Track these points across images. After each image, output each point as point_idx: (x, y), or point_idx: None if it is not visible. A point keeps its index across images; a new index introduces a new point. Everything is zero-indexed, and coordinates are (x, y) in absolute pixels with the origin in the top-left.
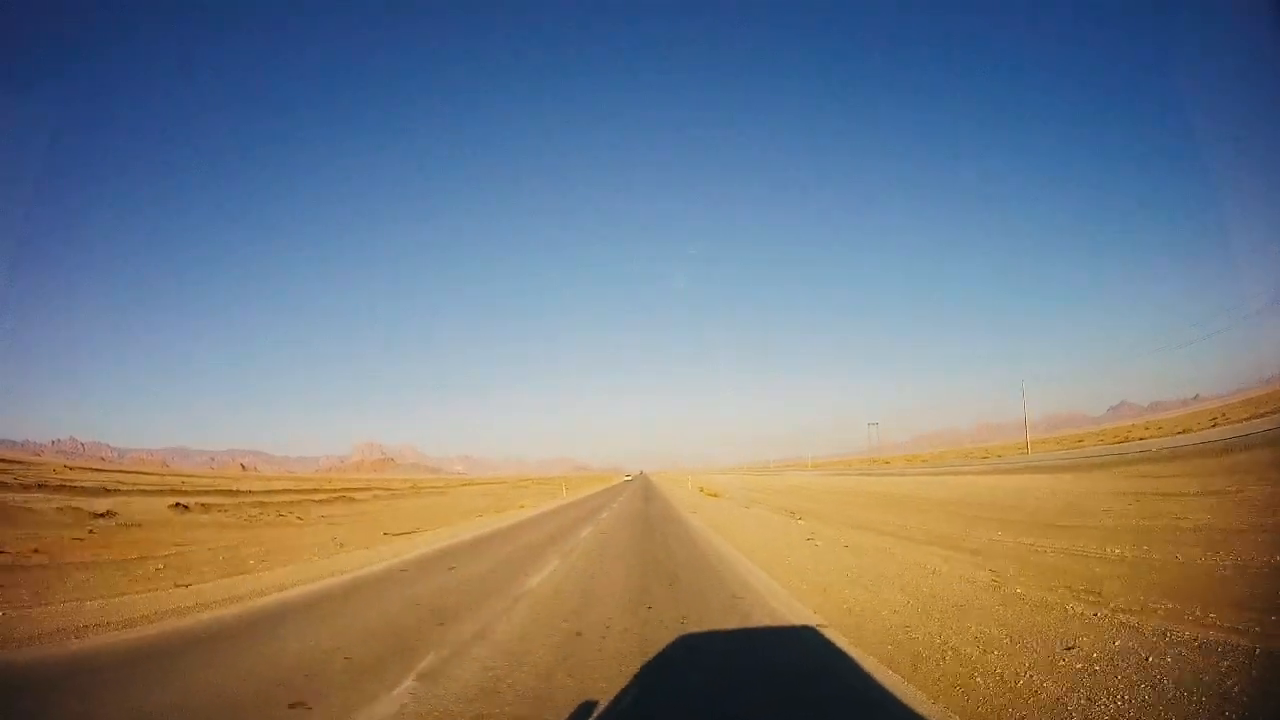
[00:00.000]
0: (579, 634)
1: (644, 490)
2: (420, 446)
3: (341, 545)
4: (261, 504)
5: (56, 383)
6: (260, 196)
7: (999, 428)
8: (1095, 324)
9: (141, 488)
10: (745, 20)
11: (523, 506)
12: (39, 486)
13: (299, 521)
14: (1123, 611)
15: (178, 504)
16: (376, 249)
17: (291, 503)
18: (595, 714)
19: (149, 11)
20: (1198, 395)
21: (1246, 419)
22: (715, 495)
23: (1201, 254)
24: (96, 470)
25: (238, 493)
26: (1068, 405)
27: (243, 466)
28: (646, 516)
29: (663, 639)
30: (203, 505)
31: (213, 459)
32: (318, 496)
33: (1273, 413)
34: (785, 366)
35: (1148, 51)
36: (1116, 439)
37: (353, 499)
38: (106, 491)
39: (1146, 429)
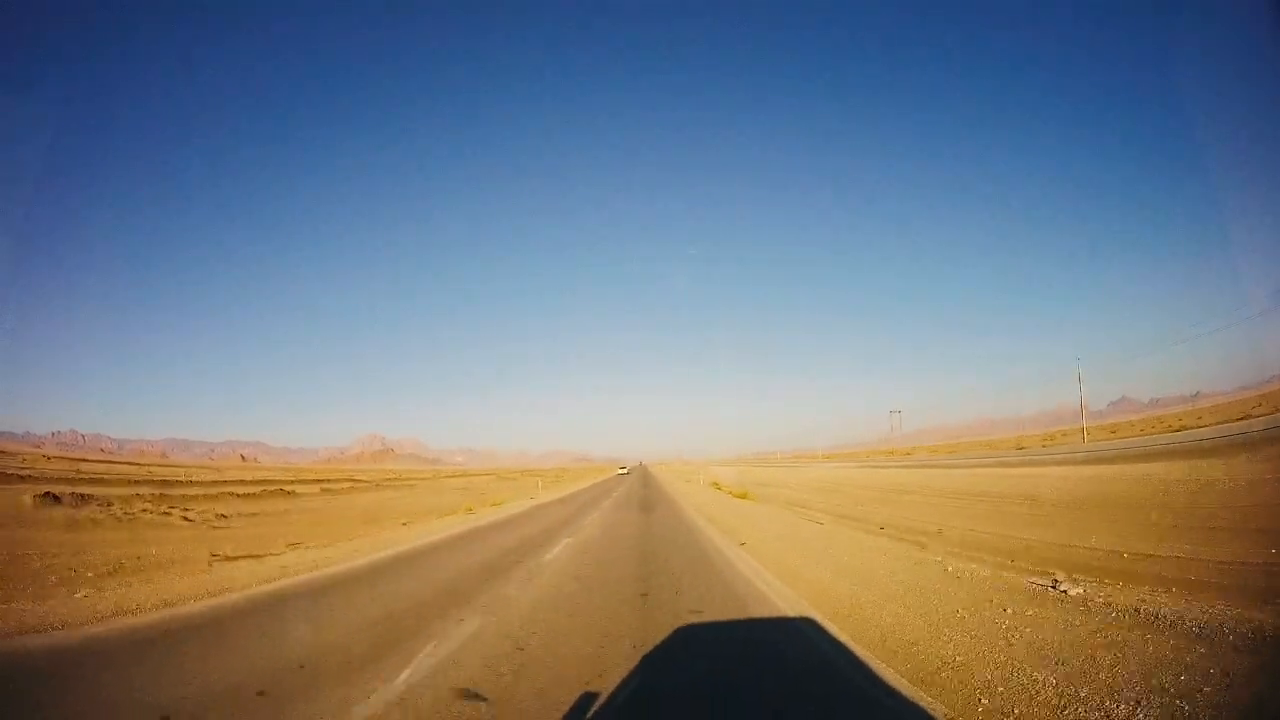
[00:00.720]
0: None
1: (642, 487)
2: (422, 439)
3: (88, 577)
4: (165, 497)
5: (60, 377)
6: (263, 195)
7: (995, 423)
8: (1094, 322)
9: (77, 476)
10: (745, 20)
11: (471, 510)
12: None
13: (182, 523)
14: None
15: (47, 494)
16: (383, 248)
17: (211, 497)
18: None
19: (149, 11)
20: (1198, 392)
21: None
22: (744, 496)
23: (1202, 253)
24: (77, 461)
25: (169, 483)
26: (1062, 402)
27: (243, 457)
28: (644, 557)
29: None
30: (81, 497)
31: (212, 450)
32: (251, 491)
33: None
34: (785, 362)
35: (1148, 51)
36: (1174, 427)
37: (294, 494)
38: (21, 479)
39: (1200, 417)
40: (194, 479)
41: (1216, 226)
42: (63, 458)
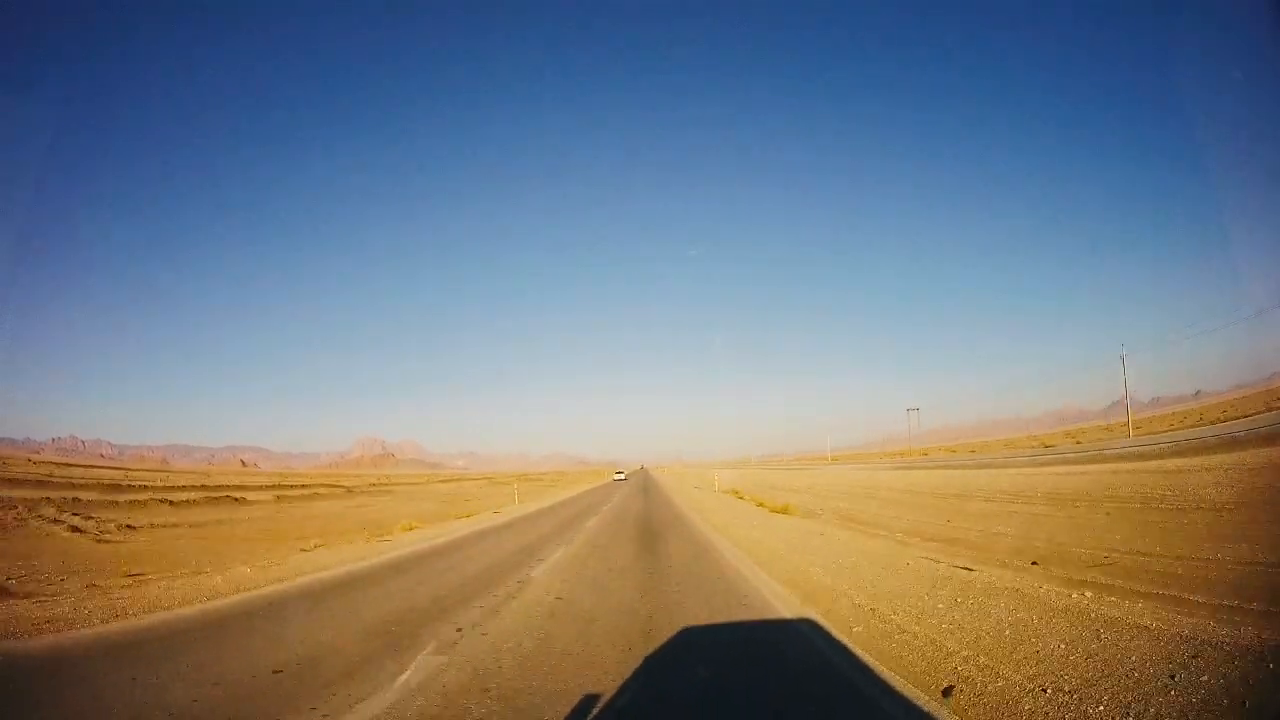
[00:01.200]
0: None
1: (642, 496)
2: (423, 443)
3: None
4: (82, 502)
5: (62, 383)
6: (262, 196)
7: (999, 423)
8: (1093, 322)
9: (46, 480)
10: (745, 20)
11: (412, 529)
12: None
13: (67, 535)
14: None
15: None
16: (383, 251)
17: (140, 504)
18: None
19: (149, 11)
20: (1199, 391)
21: None
22: (785, 510)
23: (1202, 253)
24: (55, 465)
25: (119, 487)
26: (1068, 402)
27: (243, 463)
28: None
29: None
30: None
31: (213, 456)
32: (194, 497)
33: None
34: (787, 363)
35: (1148, 51)
36: (1220, 418)
37: (243, 501)
38: None
39: (1224, 410)
40: (149, 483)
41: (1216, 226)
42: (49, 462)
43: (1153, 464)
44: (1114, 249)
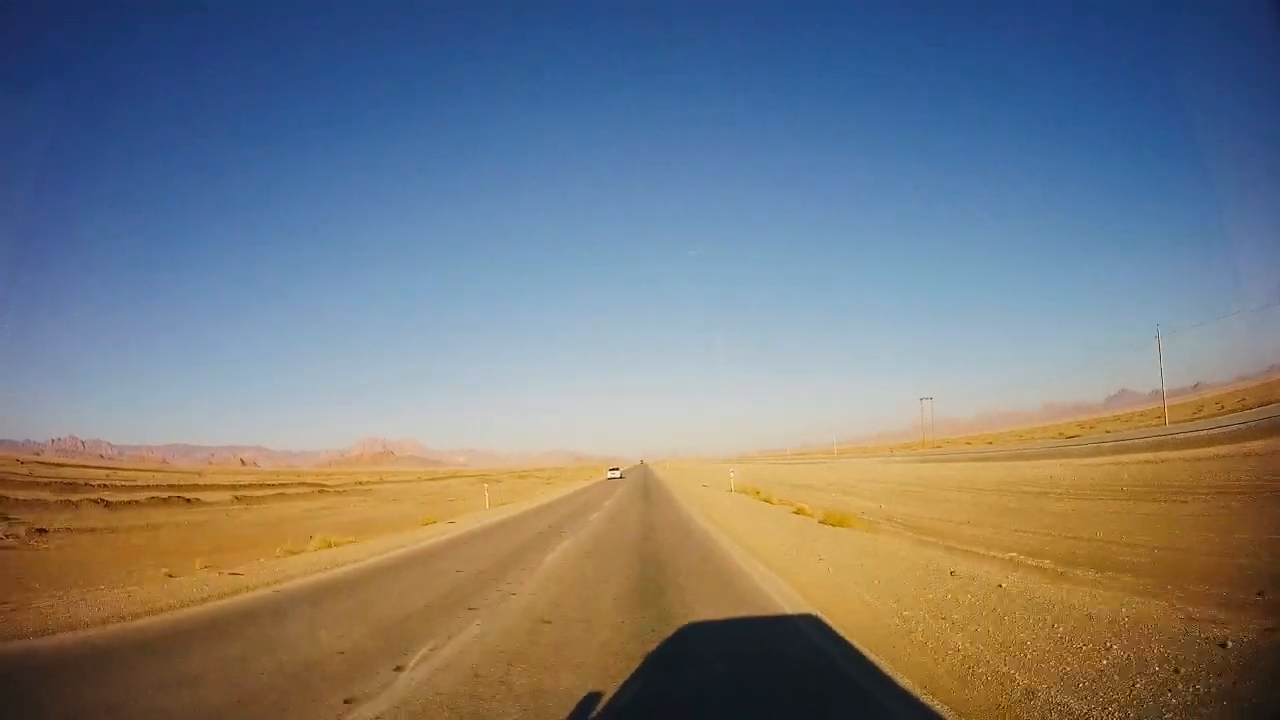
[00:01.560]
0: None
1: (643, 502)
2: (423, 440)
3: None
4: (6, 499)
5: (62, 383)
6: (262, 195)
7: (995, 418)
8: (1092, 320)
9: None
10: (745, 20)
11: (330, 545)
12: None
13: None
14: None
15: None
16: (384, 250)
17: (71, 505)
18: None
19: (149, 11)
20: (1198, 384)
21: None
22: (841, 523)
23: (1203, 252)
24: (38, 464)
25: (75, 485)
26: (1068, 395)
27: (242, 461)
28: None
29: None
30: None
31: (212, 455)
32: (139, 499)
33: None
34: (786, 360)
35: (1148, 51)
36: (1239, 406)
37: (196, 502)
38: None
39: (1243, 399)
40: (110, 483)
41: (1216, 226)
42: (41, 462)
43: (1233, 448)
44: (1114, 247)
